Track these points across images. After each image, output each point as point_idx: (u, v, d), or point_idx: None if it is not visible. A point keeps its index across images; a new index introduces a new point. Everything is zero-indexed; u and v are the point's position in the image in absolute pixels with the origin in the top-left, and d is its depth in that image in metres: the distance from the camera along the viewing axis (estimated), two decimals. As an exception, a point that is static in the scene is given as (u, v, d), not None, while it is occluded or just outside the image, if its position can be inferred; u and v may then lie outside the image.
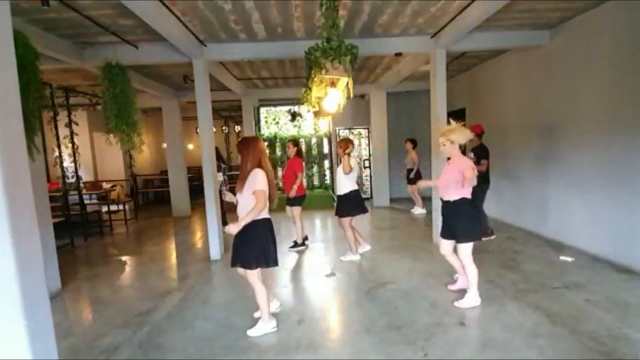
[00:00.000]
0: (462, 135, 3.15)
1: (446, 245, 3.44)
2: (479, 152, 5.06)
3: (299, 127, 9.73)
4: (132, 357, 2.72)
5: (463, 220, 3.21)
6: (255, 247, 2.77)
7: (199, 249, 5.73)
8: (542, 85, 5.20)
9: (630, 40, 3.79)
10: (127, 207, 8.20)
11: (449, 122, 3.35)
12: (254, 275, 2.83)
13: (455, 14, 4.15)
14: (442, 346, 2.66)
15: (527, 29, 4.84)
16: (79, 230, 6.32)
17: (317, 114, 4.37)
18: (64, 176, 6.05)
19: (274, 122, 10.10)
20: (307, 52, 3.38)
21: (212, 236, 5.07)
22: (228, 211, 6.26)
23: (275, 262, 2.90)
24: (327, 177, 9.89)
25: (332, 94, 3.45)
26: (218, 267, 4.80)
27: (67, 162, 6.34)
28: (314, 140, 9.71)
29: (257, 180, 2.73)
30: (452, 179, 3.14)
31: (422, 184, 4.05)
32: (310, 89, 3.68)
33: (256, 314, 3.08)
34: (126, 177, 9.54)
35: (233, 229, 2.67)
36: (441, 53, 4.91)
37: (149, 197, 11.35)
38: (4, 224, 1.66)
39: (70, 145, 6.11)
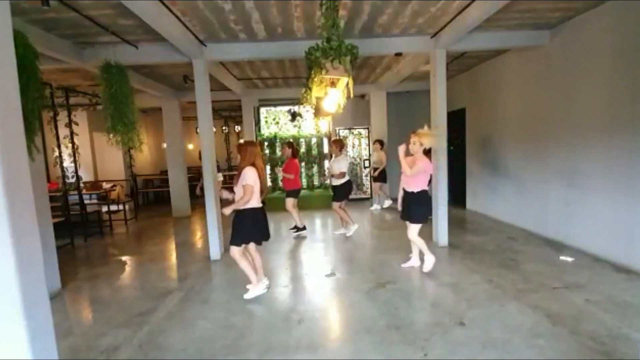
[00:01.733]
0: (430, 141, 3.98)
1: (412, 227, 4.14)
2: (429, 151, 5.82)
3: (299, 127, 9.72)
4: (132, 357, 2.72)
5: (417, 207, 4.02)
6: (240, 229, 3.52)
7: (199, 249, 5.73)
8: (542, 85, 5.20)
9: (630, 40, 3.79)
10: (127, 207, 8.20)
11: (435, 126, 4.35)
12: (234, 251, 3.54)
13: (455, 14, 4.15)
14: (442, 346, 2.66)
15: (527, 29, 4.84)
16: (79, 230, 6.32)
17: (317, 114, 4.37)
18: (64, 176, 6.05)
19: (274, 122, 10.09)
20: (307, 52, 3.39)
21: (212, 236, 5.07)
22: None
23: (257, 241, 3.64)
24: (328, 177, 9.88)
25: (332, 94, 3.45)
26: (218, 267, 4.80)
27: (67, 162, 6.33)
28: (314, 140, 9.70)
29: (247, 176, 3.42)
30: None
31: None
32: (310, 89, 3.68)
33: (248, 286, 3.73)
34: (126, 177, 9.55)
35: (226, 210, 3.49)
36: (441, 53, 4.92)
37: (149, 197, 11.35)
38: (4, 224, 1.66)
39: (70, 145, 6.10)
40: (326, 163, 9.86)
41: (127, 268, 4.98)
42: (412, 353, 2.59)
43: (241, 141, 3.97)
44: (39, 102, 3.06)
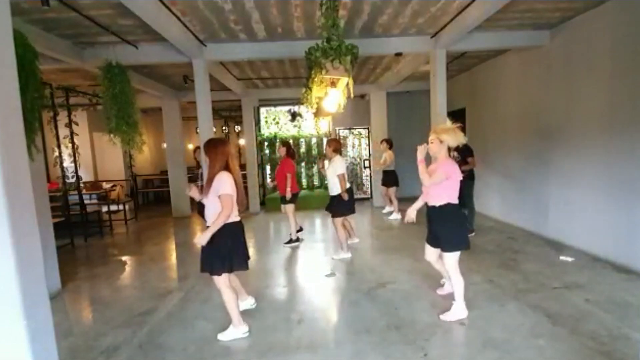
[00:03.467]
0: (455, 138, 2.92)
1: (431, 252, 3.23)
2: (463, 151, 5.11)
3: (299, 127, 9.72)
4: (132, 357, 2.72)
5: (449, 227, 2.98)
6: (220, 252, 2.74)
7: (199, 249, 5.71)
8: (542, 85, 5.20)
9: (630, 40, 3.79)
10: (127, 207, 8.20)
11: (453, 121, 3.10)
12: (220, 281, 2.81)
13: (455, 14, 4.15)
14: (442, 346, 2.66)
15: (527, 29, 4.84)
16: (79, 230, 6.32)
17: (317, 114, 4.38)
18: (64, 176, 6.05)
19: (274, 122, 10.09)
20: (307, 52, 3.38)
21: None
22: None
23: (241, 266, 2.86)
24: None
25: (332, 94, 3.45)
26: (218, 267, 4.79)
27: (67, 162, 6.33)
28: (314, 140, 9.70)
29: (223, 183, 2.66)
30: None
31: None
32: (310, 89, 3.68)
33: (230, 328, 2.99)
34: (126, 177, 9.54)
35: (202, 239, 2.67)
36: (441, 53, 4.92)
37: (149, 197, 11.35)
38: (4, 224, 1.67)
39: (70, 145, 6.10)
40: (326, 163, 9.86)
41: (127, 268, 4.98)
42: (412, 353, 2.59)
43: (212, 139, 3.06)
44: (39, 102, 3.06)
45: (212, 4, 3.66)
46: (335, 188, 4.69)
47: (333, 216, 4.79)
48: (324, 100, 3.57)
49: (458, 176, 2.95)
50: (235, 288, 3.05)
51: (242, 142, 11.09)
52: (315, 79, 3.41)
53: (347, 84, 3.39)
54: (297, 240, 5.63)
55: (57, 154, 5.82)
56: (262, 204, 9.14)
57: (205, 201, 2.76)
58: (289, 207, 5.50)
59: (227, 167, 2.74)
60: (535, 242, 5.10)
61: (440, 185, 2.93)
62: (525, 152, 5.72)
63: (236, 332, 2.92)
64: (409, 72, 6.66)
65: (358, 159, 9.60)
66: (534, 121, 5.44)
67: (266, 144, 9.60)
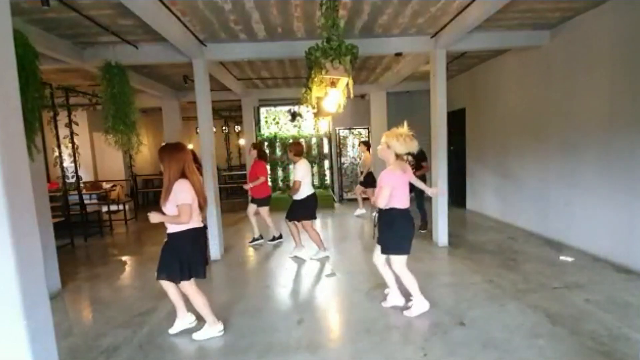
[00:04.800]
0: (403, 145, 2.91)
1: (377, 255, 3.24)
2: (418, 156, 5.21)
3: (299, 127, 9.73)
4: (132, 357, 2.72)
5: (391, 231, 3.05)
6: (178, 260, 2.73)
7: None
8: (542, 85, 5.20)
9: (630, 40, 3.79)
10: (127, 207, 8.20)
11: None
12: (184, 286, 2.83)
13: (455, 14, 4.15)
14: (442, 346, 2.66)
15: (527, 29, 4.83)
16: (79, 230, 6.32)
17: (317, 114, 4.37)
18: (64, 176, 6.05)
19: (274, 122, 10.09)
20: (307, 52, 3.38)
21: (212, 236, 5.07)
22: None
23: (199, 274, 2.83)
24: (327, 177, 9.88)
25: (332, 94, 3.45)
26: (218, 267, 4.80)
27: (67, 162, 6.33)
28: (314, 140, 9.70)
29: (181, 192, 2.61)
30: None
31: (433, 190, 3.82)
32: (310, 89, 3.68)
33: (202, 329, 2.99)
34: (126, 177, 9.55)
35: (154, 218, 2.63)
36: (441, 53, 4.91)
37: (149, 197, 11.34)
38: (4, 224, 1.66)
39: (70, 145, 6.10)
40: (326, 163, 9.87)
41: (127, 268, 4.98)
42: (412, 353, 2.59)
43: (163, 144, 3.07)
44: (39, 102, 3.07)
45: (212, 4, 3.66)
46: (300, 193, 4.68)
47: (298, 220, 4.80)
48: (324, 100, 3.57)
49: (400, 181, 2.98)
50: (175, 301, 2.99)
51: (242, 142, 11.09)
52: (315, 79, 3.41)
53: (347, 84, 3.39)
54: (260, 238, 5.76)
55: (57, 154, 5.82)
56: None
57: (164, 209, 2.68)
58: (264, 210, 5.62)
59: (183, 175, 2.67)
60: (535, 242, 5.10)
61: (380, 192, 2.97)
62: (525, 152, 5.72)
63: (211, 331, 2.94)
64: (409, 72, 6.65)
65: (358, 159, 9.59)
66: (534, 121, 5.44)
67: (266, 144, 9.59)
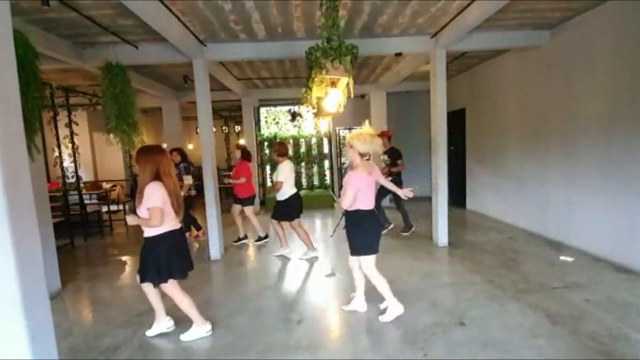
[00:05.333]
0: (366, 144, 2.89)
1: (351, 258, 3.22)
2: (392, 154, 5.50)
3: (299, 127, 9.73)
4: (132, 357, 2.72)
5: (356, 232, 3.04)
6: (154, 262, 2.74)
7: (199, 249, 5.73)
8: (542, 85, 5.20)
9: (630, 40, 3.79)
10: (127, 207, 8.19)
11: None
12: (166, 288, 2.83)
13: (455, 14, 4.15)
14: (442, 346, 2.66)
15: (527, 29, 4.84)
16: (79, 230, 6.32)
17: (317, 114, 4.38)
18: (64, 176, 6.05)
19: (274, 122, 10.09)
20: (308, 52, 3.38)
21: (212, 236, 5.08)
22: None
23: (177, 276, 2.82)
24: (327, 177, 9.89)
25: (332, 94, 3.45)
26: (218, 267, 4.80)
27: (67, 162, 6.33)
28: (314, 140, 9.70)
29: (152, 195, 2.59)
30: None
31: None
32: (310, 89, 3.68)
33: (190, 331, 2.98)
34: (126, 177, 9.55)
35: (130, 220, 2.67)
36: (441, 53, 4.91)
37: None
38: (4, 224, 1.67)
39: (70, 145, 6.10)
40: (326, 163, 9.87)
41: (127, 268, 4.98)
42: (412, 353, 2.59)
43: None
44: (39, 102, 3.07)
45: (212, 4, 3.66)
46: (280, 193, 4.74)
47: (273, 217, 4.91)
48: (324, 100, 3.57)
49: (365, 182, 2.93)
50: (155, 304, 2.98)
51: (242, 142, 11.09)
52: (316, 79, 3.41)
53: (347, 84, 3.39)
54: (245, 237, 5.85)
55: (57, 154, 5.82)
56: (262, 203, 9.14)
57: (139, 212, 2.68)
58: (248, 210, 5.66)
59: (159, 177, 2.66)
60: (535, 242, 5.10)
61: (345, 193, 2.95)
62: (525, 152, 5.72)
63: (199, 331, 2.94)
64: (409, 72, 6.65)
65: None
66: (534, 121, 5.44)
67: (266, 144, 9.59)
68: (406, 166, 5.75)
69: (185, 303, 2.88)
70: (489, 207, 6.98)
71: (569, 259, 4.33)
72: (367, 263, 3.10)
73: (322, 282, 4.10)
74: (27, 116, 2.55)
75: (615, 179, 4.07)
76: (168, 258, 2.74)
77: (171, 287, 2.84)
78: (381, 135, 4.73)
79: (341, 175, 9.80)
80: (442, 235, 5.15)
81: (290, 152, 9.58)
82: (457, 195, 7.94)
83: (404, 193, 3.30)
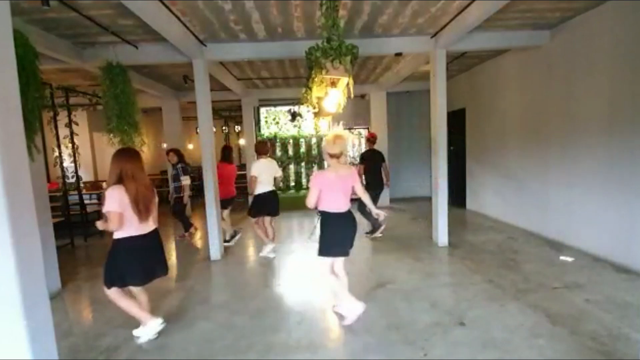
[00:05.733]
0: (331, 146, 2.93)
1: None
2: (366, 157, 5.84)
3: (299, 127, 9.73)
4: (132, 357, 2.72)
5: (321, 232, 3.06)
6: (111, 266, 2.75)
7: (199, 249, 5.73)
8: (542, 85, 5.20)
9: (630, 40, 3.79)
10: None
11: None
12: (109, 294, 2.80)
13: (455, 14, 4.15)
14: (442, 346, 2.66)
15: (527, 29, 4.84)
16: (79, 230, 6.31)
17: (317, 114, 4.38)
18: (64, 176, 6.05)
19: (274, 122, 10.09)
20: (308, 52, 3.38)
21: (212, 236, 5.08)
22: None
23: (131, 282, 2.81)
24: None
25: (332, 94, 3.45)
26: (218, 267, 4.80)
27: (67, 162, 6.33)
28: (314, 140, 9.71)
29: (108, 199, 2.58)
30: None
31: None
32: (310, 89, 3.68)
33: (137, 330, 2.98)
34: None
35: (98, 224, 2.70)
36: (441, 53, 4.91)
37: (149, 197, 11.35)
38: (4, 224, 1.67)
39: (70, 145, 6.10)
40: (326, 163, 9.87)
41: (127, 268, 4.98)
42: (412, 353, 2.59)
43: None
44: (39, 102, 3.07)
45: (212, 4, 3.66)
46: (256, 188, 4.86)
47: (248, 214, 5.09)
48: (324, 100, 3.57)
49: (328, 183, 2.92)
50: (143, 305, 2.96)
51: (242, 142, 11.09)
52: (316, 79, 3.41)
53: (347, 84, 3.39)
54: (233, 238, 5.79)
55: (57, 154, 5.82)
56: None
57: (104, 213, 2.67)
58: (224, 212, 5.61)
59: (120, 180, 2.64)
60: (535, 242, 5.10)
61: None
62: (525, 152, 5.72)
63: (150, 328, 2.90)
64: (409, 72, 6.65)
65: (358, 159, 9.60)
66: (534, 121, 5.44)
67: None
68: (386, 176, 5.84)
69: (129, 306, 2.84)
70: (489, 207, 6.98)
71: (569, 259, 4.33)
72: (320, 264, 3.11)
73: (322, 282, 4.10)
74: (27, 116, 2.55)
75: (615, 179, 4.07)
76: (126, 263, 2.73)
77: (115, 291, 2.79)
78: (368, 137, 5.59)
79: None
80: (442, 235, 5.15)
81: (290, 152, 9.60)
82: (457, 195, 7.94)
83: (377, 213, 3.29)
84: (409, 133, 9.41)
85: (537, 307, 3.17)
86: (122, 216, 2.63)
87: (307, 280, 4.22)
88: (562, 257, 4.40)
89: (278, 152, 9.58)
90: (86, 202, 7.02)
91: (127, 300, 2.86)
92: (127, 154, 2.77)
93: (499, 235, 5.55)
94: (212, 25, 4.24)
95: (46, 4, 3.09)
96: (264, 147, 4.96)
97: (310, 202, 2.97)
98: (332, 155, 2.97)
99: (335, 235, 3.03)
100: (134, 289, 2.93)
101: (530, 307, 3.17)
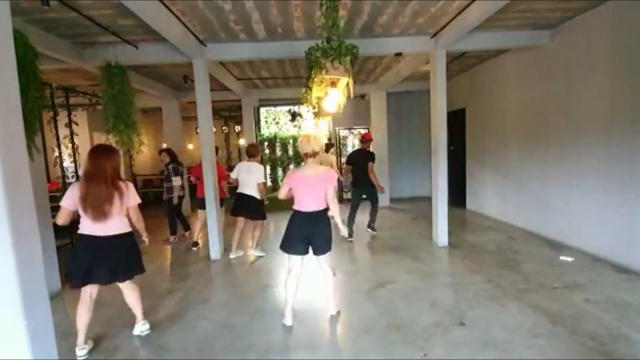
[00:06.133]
0: (303, 145, 3.00)
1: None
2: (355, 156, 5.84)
3: (299, 127, 9.74)
4: (132, 357, 2.72)
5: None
6: (76, 262, 2.69)
7: (199, 249, 5.72)
8: (542, 85, 5.20)
9: (630, 40, 3.79)
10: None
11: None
12: (84, 292, 2.74)
13: (455, 14, 4.15)
14: (442, 346, 2.66)
15: (527, 29, 4.84)
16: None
17: (317, 114, 4.38)
18: (64, 176, 6.03)
19: (274, 122, 10.09)
20: (307, 52, 3.38)
21: (212, 236, 5.08)
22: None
23: (96, 279, 2.74)
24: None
25: (332, 94, 3.45)
26: (218, 267, 4.80)
27: (67, 162, 6.32)
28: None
29: (65, 194, 2.62)
30: None
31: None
32: (310, 89, 3.68)
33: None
34: (126, 177, 9.53)
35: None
36: (441, 53, 4.91)
37: (149, 197, 11.33)
38: (4, 224, 1.67)
39: (70, 145, 6.10)
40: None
41: (127, 268, 4.97)
42: (412, 353, 2.59)
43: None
44: (39, 102, 3.07)
45: (212, 4, 3.66)
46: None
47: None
48: (324, 100, 3.57)
49: (301, 182, 2.97)
50: (132, 307, 2.98)
51: (242, 142, 11.09)
52: (316, 79, 3.40)
53: (347, 84, 3.39)
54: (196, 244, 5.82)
55: (57, 154, 5.81)
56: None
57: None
58: (200, 212, 5.55)
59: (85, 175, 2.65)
60: (535, 242, 5.10)
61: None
62: (525, 152, 5.72)
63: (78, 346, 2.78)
64: (409, 72, 6.65)
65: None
66: (534, 121, 5.44)
67: (266, 144, 9.59)
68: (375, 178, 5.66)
69: (79, 321, 2.76)
70: (489, 207, 6.98)
71: (569, 259, 4.33)
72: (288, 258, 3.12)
73: (321, 282, 4.09)
74: (27, 116, 2.55)
75: (615, 179, 4.07)
76: (88, 261, 2.67)
77: (82, 293, 2.74)
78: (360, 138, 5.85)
79: (341, 176, 9.79)
80: (442, 235, 5.15)
81: (290, 152, 9.60)
82: (457, 195, 7.94)
83: (341, 226, 3.19)
84: (409, 133, 9.42)
85: (537, 307, 3.17)
86: (69, 212, 2.63)
87: (307, 280, 4.22)
88: (562, 257, 4.40)
89: (278, 152, 9.58)
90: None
91: (82, 311, 2.76)
92: (91, 152, 2.69)
93: (499, 235, 5.55)
94: (212, 25, 4.24)
95: (46, 4, 3.09)
96: (252, 150, 4.98)
97: (280, 195, 3.09)
98: (306, 155, 3.00)
99: (294, 233, 3.02)
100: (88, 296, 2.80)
101: (530, 307, 3.17)
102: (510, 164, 6.15)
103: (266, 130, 9.89)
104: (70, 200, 2.59)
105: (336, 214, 3.10)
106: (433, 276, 4.05)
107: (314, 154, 2.99)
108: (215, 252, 5.08)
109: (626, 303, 3.17)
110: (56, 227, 4.31)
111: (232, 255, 5.11)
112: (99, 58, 4.43)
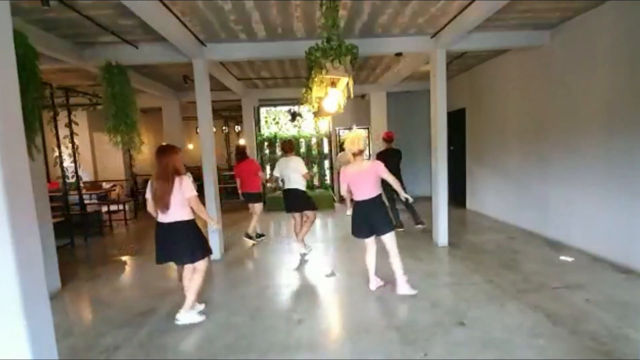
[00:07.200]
0: (352, 145, 3.50)
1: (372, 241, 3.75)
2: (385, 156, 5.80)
3: (299, 127, 9.74)
4: (132, 357, 2.72)
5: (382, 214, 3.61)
6: (155, 244, 3.21)
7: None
8: (542, 85, 5.20)
9: (630, 40, 3.79)
10: (127, 207, 8.20)
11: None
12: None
13: (455, 14, 4.15)
14: (442, 346, 2.66)
15: (527, 29, 4.84)
16: (79, 230, 6.31)
17: (317, 114, 4.38)
18: (64, 176, 6.04)
19: (274, 122, 10.10)
20: (308, 52, 3.38)
21: (212, 236, 5.07)
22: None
23: (156, 257, 3.21)
24: (327, 177, 9.89)
25: (332, 94, 3.45)
26: (218, 267, 4.80)
27: (67, 162, 6.33)
28: (314, 140, 9.71)
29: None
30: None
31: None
32: (310, 89, 3.68)
33: None
34: (126, 177, 9.54)
35: None
36: (441, 53, 4.91)
37: (149, 197, 11.35)
38: (4, 224, 1.67)
39: (70, 145, 6.10)
40: (326, 163, 9.87)
41: (127, 268, 4.98)
42: (412, 353, 2.59)
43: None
44: (39, 102, 3.06)
45: (212, 4, 3.66)
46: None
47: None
48: (324, 100, 3.57)
49: (348, 177, 3.56)
50: (186, 290, 3.28)
51: (242, 142, 11.09)
52: (316, 79, 3.41)
53: (347, 84, 3.39)
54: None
55: (57, 154, 5.82)
56: (263, 203, 9.14)
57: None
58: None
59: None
60: (535, 242, 5.10)
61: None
62: (525, 152, 5.72)
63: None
64: (409, 72, 6.65)
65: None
66: (534, 121, 5.44)
67: (266, 144, 9.59)
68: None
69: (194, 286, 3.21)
70: (489, 207, 6.98)
71: (569, 259, 4.33)
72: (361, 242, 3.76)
73: (322, 282, 4.10)
74: (27, 116, 2.54)
75: (615, 179, 4.07)
76: (161, 244, 3.15)
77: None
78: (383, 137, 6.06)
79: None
80: (442, 235, 5.15)
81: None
82: (457, 195, 7.94)
83: (404, 196, 3.85)
84: (408, 133, 9.41)
85: (537, 307, 3.17)
86: (151, 203, 3.14)
87: (307, 280, 4.22)
88: (562, 257, 4.40)
89: (278, 152, 9.58)
90: (86, 202, 7.02)
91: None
92: (155, 153, 3.14)
93: (499, 235, 5.55)
94: (212, 25, 4.24)
95: (46, 4, 3.09)
96: (287, 145, 5.16)
97: (342, 192, 3.82)
98: (354, 154, 3.52)
99: (357, 220, 3.62)
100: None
101: (530, 307, 3.17)
102: (510, 164, 6.15)
103: (266, 130, 9.89)
104: (148, 193, 3.15)
105: (393, 182, 3.60)
106: (433, 276, 4.05)
107: (360, 152, 3.52)
108: (215, 252, 5.07)
109: (626, 303, 3.17)
110: (56, 227, 4.36)
111: (302, 251, 5.01)
112: (99, 58, 4.44)
